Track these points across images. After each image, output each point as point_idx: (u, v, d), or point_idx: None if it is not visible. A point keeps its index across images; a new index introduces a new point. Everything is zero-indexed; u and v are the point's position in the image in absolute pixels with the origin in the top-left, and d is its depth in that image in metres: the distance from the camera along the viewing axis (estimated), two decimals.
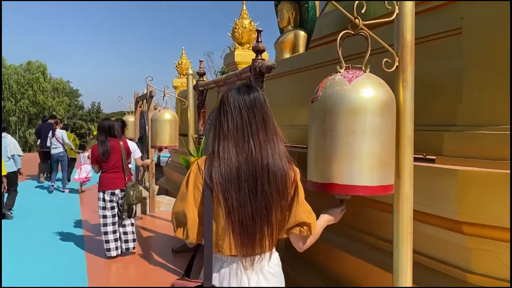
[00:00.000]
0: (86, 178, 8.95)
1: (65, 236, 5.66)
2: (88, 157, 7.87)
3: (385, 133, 1.63)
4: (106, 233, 4.64)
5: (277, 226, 1.52)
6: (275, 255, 1.64)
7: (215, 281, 1.54)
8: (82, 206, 7.76)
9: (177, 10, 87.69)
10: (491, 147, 2.12)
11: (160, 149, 5.87)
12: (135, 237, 4.90)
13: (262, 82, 2.95)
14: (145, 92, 7.02)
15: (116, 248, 4.68)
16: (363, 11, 1.76)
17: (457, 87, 2.38)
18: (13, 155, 6.83)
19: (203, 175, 1.53)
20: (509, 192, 1.93)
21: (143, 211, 6.86)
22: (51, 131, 9.41)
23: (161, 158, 10.55)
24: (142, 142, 7.32)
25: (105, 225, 4.65)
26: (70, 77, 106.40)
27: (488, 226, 2.03)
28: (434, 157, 2.41)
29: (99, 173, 4.81)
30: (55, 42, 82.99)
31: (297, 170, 1.62)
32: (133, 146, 5.41)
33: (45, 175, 10.65)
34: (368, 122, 1.59)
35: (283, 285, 1.64)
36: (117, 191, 4.68)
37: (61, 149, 9.38)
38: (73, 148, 9.70)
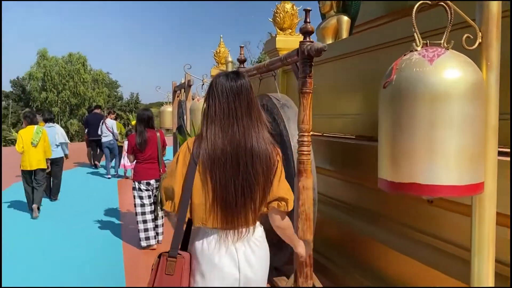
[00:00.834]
0: (131, 165, 9.12)
1: (104, 223, 5.79)
2: None
3: (476, 122, 1.35)
4: (145, 221, 4.67)
5: (260, 202, 1.65)
6: (260, 228, 1.75)
7: (203, 251, 1.65)
8: (121, 193, 7.99)
9: None
10: None
11: None
12: (163, 230, 4.94)
13: (311, 67, 2.67)
14: (183, 81, 6.90)
15: (154, 237, 4.73)
16: None
17: None
18: (61, 143, 7.27)
19: (191, 155, 1.66)
20: None
21: None
22: (102, 120, 9.98)
23: None
24: (180, 132, 7.21)
25: (143, 213, 4.67)
26: (109, 68, 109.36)
27: None
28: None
29: (134, 163, 4.85)
30: (95, 34, 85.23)
31: (279, 151, 1.73)
32: None
33: (94, 162, 11.36)
34: (456, 110, 1.31)
35: (268, 255, 1.77)
36: (152, 181, 4.69)
37: (111, 137, 9.87)
38: (118, 139, 10.05)
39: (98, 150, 10.92)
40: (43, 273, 4.05)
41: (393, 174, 1.48)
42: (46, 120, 7.35)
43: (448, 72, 1.33)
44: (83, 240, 5.03)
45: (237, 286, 1.66)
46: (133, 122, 5.37)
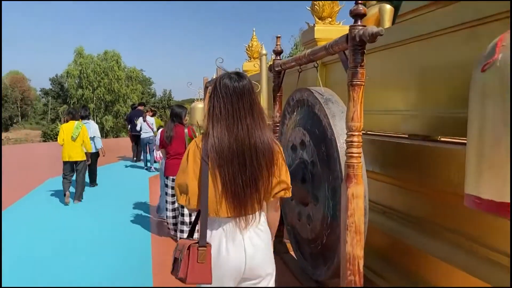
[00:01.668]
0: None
1: (135, 216, 6.15)
2: None
3: None
4: (174, 217, 4.94)
5: (264, 192, 1.81)
6: (263, 215, 1.92)
7: (215, 238, 1.81)
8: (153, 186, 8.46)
9: None
10: None
11: None
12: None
13: (363, 55, 2.28)
14: (214, 76, 6.63)
15: (181, 231, 4.79)
16: None
17: None
18: (93, 137, 7.76)
19: (200, 152, 1.79)
20: None
21: None
22: (141, 117, 10.71)
23: None
24: None
25: (173, 210, 4.95)
26: (143, 65, 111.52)
27: None
28: None
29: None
30: (129, 32, 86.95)
31: (280, 145, 1.91)
32: None
33: (135, 157, 12.19)
34: None
35: (270, 236, 1.94)
36: None
37: (151, 134, 10.54)
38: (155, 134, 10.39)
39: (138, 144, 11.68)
40: (79, 248, 4.65)
41: (489, 190, 1.10)
42: (82, 117, 7.62)
43: None
44: (116, 224, 5.66)
45: (243, 264, 1.80)
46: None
